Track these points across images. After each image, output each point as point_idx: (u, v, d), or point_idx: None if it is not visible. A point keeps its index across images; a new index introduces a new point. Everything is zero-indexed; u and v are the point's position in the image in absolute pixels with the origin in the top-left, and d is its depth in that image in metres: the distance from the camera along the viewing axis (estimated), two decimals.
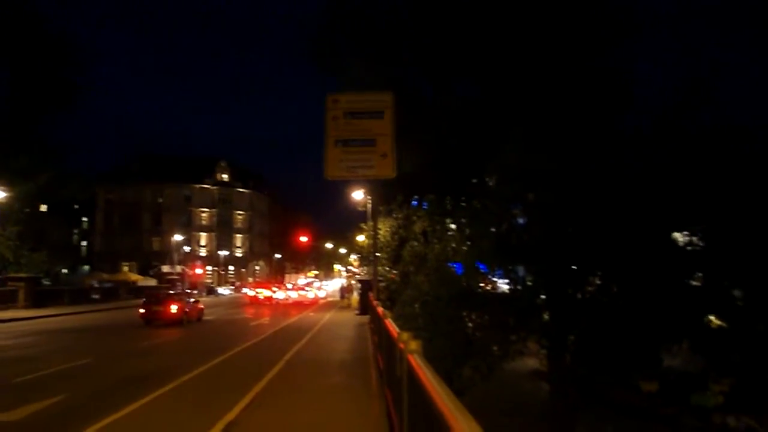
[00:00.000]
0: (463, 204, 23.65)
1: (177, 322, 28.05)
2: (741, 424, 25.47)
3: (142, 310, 28.30)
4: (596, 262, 22.63)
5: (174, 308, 27.95)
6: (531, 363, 30.50)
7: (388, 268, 26.55)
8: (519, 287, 24.22)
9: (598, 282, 24.78)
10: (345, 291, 56.07)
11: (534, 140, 19.42)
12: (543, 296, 24.53)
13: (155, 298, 30.07)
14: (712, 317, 28.48)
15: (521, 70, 19.02)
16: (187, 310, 29.34)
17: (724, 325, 26.81)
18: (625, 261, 21.81)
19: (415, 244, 23.63)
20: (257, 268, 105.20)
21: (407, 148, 17.83)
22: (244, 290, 71.16)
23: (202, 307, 32.83)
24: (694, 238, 24.87)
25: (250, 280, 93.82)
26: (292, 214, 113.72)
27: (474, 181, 23.63)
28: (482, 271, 24.60)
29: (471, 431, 1.92)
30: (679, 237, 25.59)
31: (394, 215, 24.80)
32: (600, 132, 18.86)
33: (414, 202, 25.25)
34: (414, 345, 4.29)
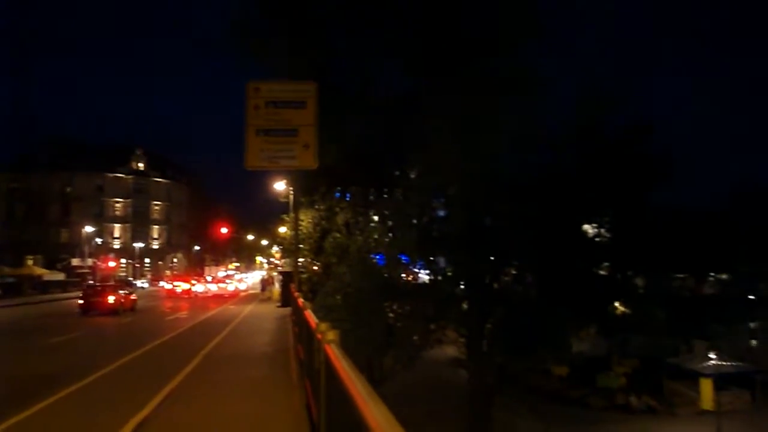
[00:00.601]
0: (386, 196, 23.87)
1: (113, 311, 30.36)
2: (642, 403, 27.42)
3: (80, 301, 31.01)
4: (512, 252, 23.51)
5: (111, 299, 30.90)
6: (450, 351, 31.39)
7: (310, 260, 26.40)
8: (439, 278, 24.80)
9: (514, 272, 25.81)
10: (266, 283, 55.25)
11: (455, 135, 19.88)
12: (462, 286, 25.26)
13: (94, 289, 33.37)
14: (617, 304, 30.42)
15: (443, 64, 19.36)
16: (123, 300, 32.43)
17: (627, 311, 28.69)
18: (539, 252, 22.80)
19: (338, 235, 23.60)
20: (175, 260, 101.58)
21: (330, 139, 17.74)
22: (162, 283, 68.48)
23: (134, 298, 35.65)
24: (602, 230, 26.41)
25: (168, 272, 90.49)
26: (212, 205, 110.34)
27: (396, 173, 23.89)
28: (404, 262, 24.98)
29: (383, 418, 1.95)
30: (588, 229, 27.06)
31: (317, 206, 24.65)
32: (517, 130, 19.50)
33: (337, 194, 25.21)
34: (331, 335, 4.29)
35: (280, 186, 28.19)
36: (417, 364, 23.58)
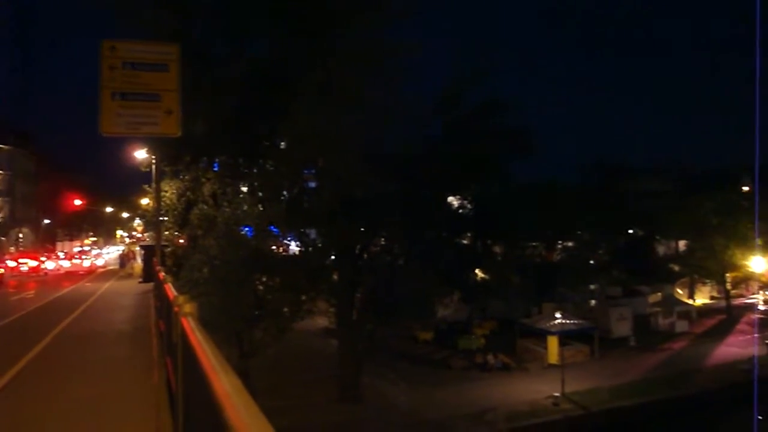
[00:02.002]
0: (255, 167, 23.32)
1: None
2: (498, 361, 29.71)
3: None
4: (381, 223, 24.17)
5: None
6: (321, 321, 31.84)
7: (174, 233, 25.21)
8: (310, 249, 24.89)
9: (383, 242, 26.59)
10: (126, 258, 51.98)
11: (324, 106, 19.82)
12: (333, 257, 25.58)
13: None
14: (477, 271, 32.52)
15: (309, 33, 19.12)
16: None
17: (487, 277, 30.82)
18: (406, 223, 23.66)
19: (205, 207, 22.69)
20: (21, 236, 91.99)
21: (196, 106, 16.93)
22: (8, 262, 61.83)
23: None
24: (465, 202, 27.98)
25: (12, 249, 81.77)
26: (64, 175, 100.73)
27: (266, 144, 23.38)
28: (274, 233, 24.70)
29: (231, 388, 1.98)
30: (453, 201, 28.53)
31: (182, 177, 23.47)
32: (384, 102, 19.87)
33: (204, 164, 24.16)
34: (189, 308, 4.18)
35: (141, 154, 26.43)
36: (288, 335, 23.62)
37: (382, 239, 26.20)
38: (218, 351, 2.69)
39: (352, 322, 24.97)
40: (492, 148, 25.92)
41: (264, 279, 22.95)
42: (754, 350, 31.12)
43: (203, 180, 23.29)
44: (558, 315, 30.11)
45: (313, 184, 24.34)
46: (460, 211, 28.00)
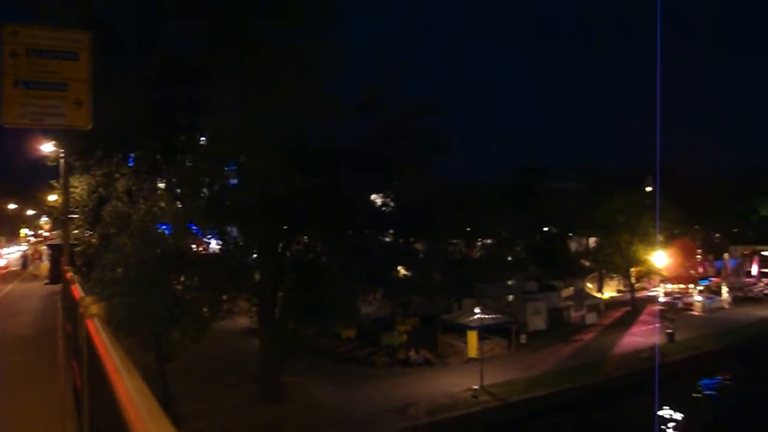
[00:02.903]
0: (174, 162, 22.50)
1: None
2: (420, 356, 30.27)
3: None
4: (304, 221, 23.96)
5: None
6: (243, 321, 31.23)
7: (87, 231, 23.91)
8: (231, 247, 24.33)
9: (306, 240, 26.38)
10: (29, 258, 48.79)
11: (246, 102, 19.45)
12: (254, 255, 25.12)
13: None
14: (400, 268, 32.93)
15: (230, 27, 18.68)
16: None
17: (409, 274, 31.23)
18: (330, 220, 23.59)
19: (118, 203, 21.64)
20: None
21: (109, 97, 16.12)
22: None
23: None
24: (388, 200, 28.23)
25: None
26: None
27: (185, 138, 22.62)
28: (194, 231, 23.94)
29: (134, 389, 1.94)
30: (377, 199, 28.72)
31: (93, 172, 22.26)
32: (308, 100, 19.71)
33: (118, 158, 23.03)
34: (96, 308, 4.02)
35: (48, 148, 24.86)
36: (209, 335, 23.01)
37: (305, 237, 26.00)
38: (124, 352, 2.62)
39: (274, 322, 24.65)
40: (413, 147, 26.32)
41: (182, 278, 22.21)
42: (656, 339, 33.44)
43: (117, 176, 22.23)
44: (477, 310, 31.06)
45: (234, 181, 23.80)
46: (383, 208, 28.22)
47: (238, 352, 31.08)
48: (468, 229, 42.23)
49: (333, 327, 33.38)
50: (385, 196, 27.99)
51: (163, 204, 21.01)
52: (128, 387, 1.95)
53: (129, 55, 19.92)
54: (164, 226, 21.67)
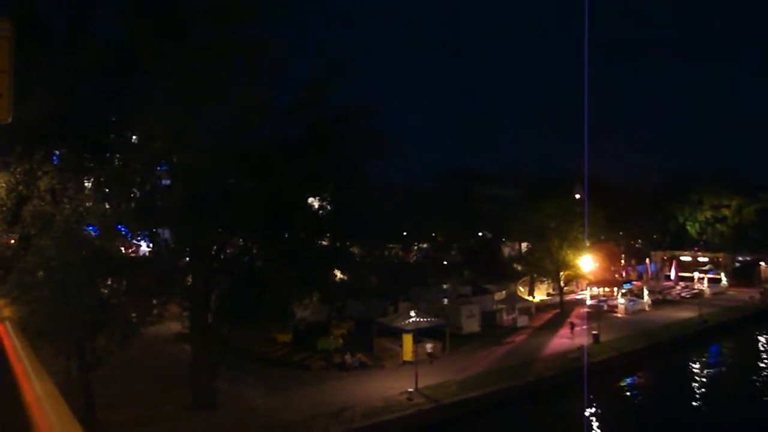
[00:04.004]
0: (102, 161, 21.61)
1: None
2: (355, 360, 30.27)
3: None
4: (239, 224, 23.55)
5: None
6: (174, 326, 30.27)
7: (7, 233, 22.56)
8: (163, 250, 23.59)
9: (241, 242, 25.92)
10: None
11: (180, 100, 18.93)
12: (187, 258, 24.45)
13: None
14: (337, 272, 32.92)
15: (164, 24, 18.20)
16: None
17: (345, 278, 31.30)
18: (265, 223, 23.29)
19: (40, 203, 20.54)
20: None
21: (32, 90, 15.31)
22: None
23: None
24: (325, 203, 28.16)
25: None
26: None
27: (114, 136, 21.77)
28: (123, 233, 23.06)
29: (44, 393, 1.89)
30: (314, 202, 28.59)
31: (12, 169, 21.04)
32: (244, 100, 19.40)
33: (40, 155, 21.85)
34: (7, 312, 3.86)
35: None
36: (138, 341, 22.20)
37: (240, 240, 25.55)
38: (37, 358, 2.53)
39: (207, 326, 24.06)
40: (350, 150, 26.40)
41: (109, 282, 21.34)
42: (583, 340, 34.85)
43: (39, 173, 21.10)
44: (413, 313, 31.40)
45: (166, 182, 23.10)
46: (320, 212, 28.13)
47: (169, 358, 30.13)
48: (404, 233, 42.73)
49: (268, 331, 32.96)
50: (321, 200, 27.92)
51: (89, 204, 20.13)
52: (38, 392, 1.90)
53: (55, 46, 19.03)
54: (91, 228, 20.76)
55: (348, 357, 30.29)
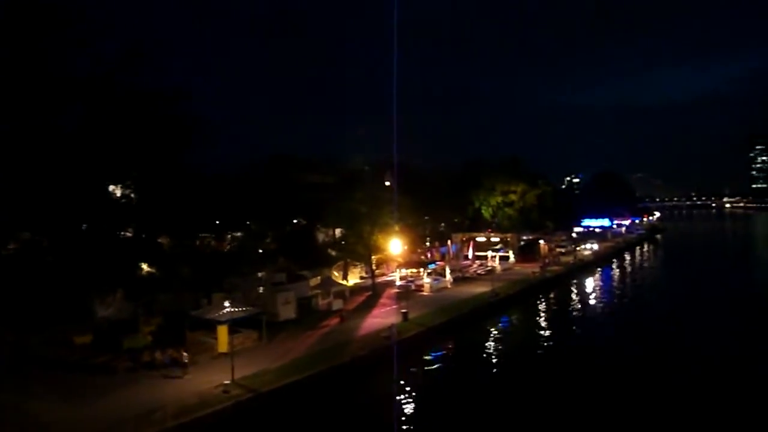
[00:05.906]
0: None
1: None
2: (166, 357, 28.63)
3: None
4: (24, 217, 20.86)
5: None
6: None
7: None
8: None
9: (28, 236, 23.01)
10: None
11: None
12: None
13: None
14: (143, 265, 30.71)
15: None
16: None
17: (153, 271, 29.36)
18: (56, 215, 20.91)
19: None
20: None
21: None
22: None
23: None
24: (129, 192, 26.08)
25: None
26: None
27: None
28: None
29: None
30: (116, 191, 26.28)
31: None
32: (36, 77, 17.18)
33: None
34: None
35: None
36: None
37: (27, 233, 22.67)
38: None
39: None
40: (154, 137, 24.75)
41: None
42: (393, 319, 37.02)
43: None
44: (227, 304, 30.61)
45: None
46: (123, 201, 25.98)
47: None
48: (217, 222, 41.28)
49: (64, 333, 29.75)
50: (124, 188, 25.80)
51: None
52: None
53: None
54: None
55: (158, 354, 28.58)
